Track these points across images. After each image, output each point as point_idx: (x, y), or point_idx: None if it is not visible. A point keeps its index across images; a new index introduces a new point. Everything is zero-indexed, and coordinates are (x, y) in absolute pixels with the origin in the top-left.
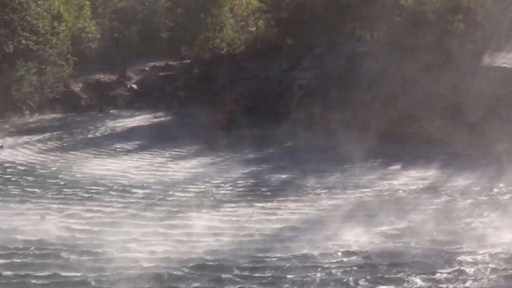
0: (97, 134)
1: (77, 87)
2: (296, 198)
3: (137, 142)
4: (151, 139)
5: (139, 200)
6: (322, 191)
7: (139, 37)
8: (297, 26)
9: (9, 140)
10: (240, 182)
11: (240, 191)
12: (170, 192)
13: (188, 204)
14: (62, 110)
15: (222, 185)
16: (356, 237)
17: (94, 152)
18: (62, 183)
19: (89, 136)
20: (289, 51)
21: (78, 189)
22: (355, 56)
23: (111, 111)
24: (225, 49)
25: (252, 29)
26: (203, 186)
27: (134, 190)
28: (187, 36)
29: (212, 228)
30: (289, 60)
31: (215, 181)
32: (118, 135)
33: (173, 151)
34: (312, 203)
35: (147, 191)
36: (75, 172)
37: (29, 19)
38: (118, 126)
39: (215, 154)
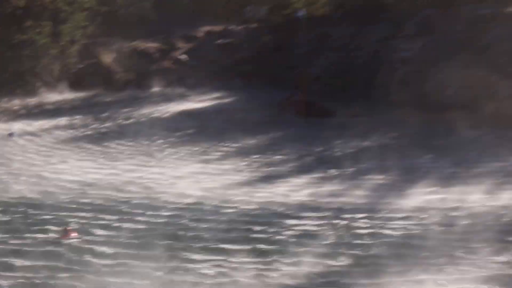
0: (132, 120)
1: (108, 58)
2: None
3: (192, 137)
4: (209, 132)
5: None
6: None
7: None
8: None
9: (15, 126)
10: None
11: None
12: None
13: None
14: (89, 88)
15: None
16: None
17: (124, 148)
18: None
19: (121, 123)
20: (389, 12)
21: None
22: (479, 19)
23: (152, 90)
24: (302, 11)
25: None
26: None
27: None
28: None
29: None
30: (389, 25)
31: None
32: (161, 123)
33: (252, 158)
34: None
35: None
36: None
37: None
38: (161, 111)
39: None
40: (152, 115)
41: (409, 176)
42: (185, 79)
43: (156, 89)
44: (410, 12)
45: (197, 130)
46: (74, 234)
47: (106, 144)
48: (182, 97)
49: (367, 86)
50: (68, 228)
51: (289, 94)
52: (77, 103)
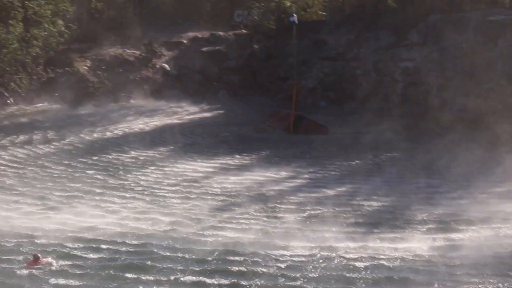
0: (108, 134)
1: (83, 66)
2: None
3: (167, 154)
4: (193, 150)
5: None
6: None
7: None
8: None
9: None
10: None
11: None
12: None
13: None
14: (62, 98)
15: None
16: None
17: (96, 168)
18: None
19: (94, 138)
20: (391, 19)
21: None
22: (488, 27)
23: (131, 101)
24: (294, 16)
25: None
26: None
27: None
28: None
29: None
30: (390, 32)
31: None
32: (141, 139)
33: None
34: None
35: None
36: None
37: None
38: (140, 125)
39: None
40: (128, 130)
41: None
42: (167, 89)
43: (135, 100)
44: (414, 19)
45: (173, 147)
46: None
47: (69, 163)
48: (162, 110)
49: (366, 99)
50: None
51: (276, 108)
52: (46, 116)
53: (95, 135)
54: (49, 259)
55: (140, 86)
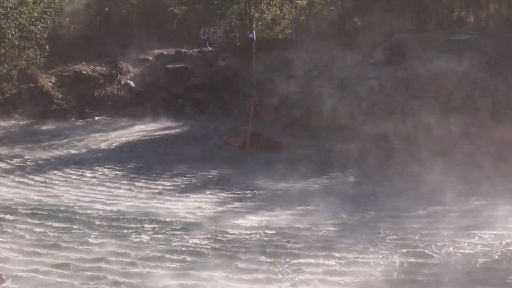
0: (71, 151)
1: (47, 82)
2: None
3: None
4: (154, 167)
5: None
6: None
7: (139, 12)
8: (370, 0)
9: None
10: None
11: None
12: None
13: None
14: (25, 115)
15: None
16: None
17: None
18: None
19: (57, 154)
20: (357, 37)
21: None
22: (453, 46)
23: (96, 118)
24: (253, 33)
25: (303, 3)
26: None
27: None
28: (209, 13)
29: None
30: (356, 50)
31: None
32: (102, 156)
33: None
34: None
35: None
36: None
37: None
38: (104, 142)
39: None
40: (93, 147)
41: None
42: (132, 106)
43: (100, 117)
44: (380, 37)
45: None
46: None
47: (40, 175)
48: (127, 127)
49: (331, 118)
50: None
51: (234, 126)
52: (8, 131)
53: (51, 153)
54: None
55: (105, 102)
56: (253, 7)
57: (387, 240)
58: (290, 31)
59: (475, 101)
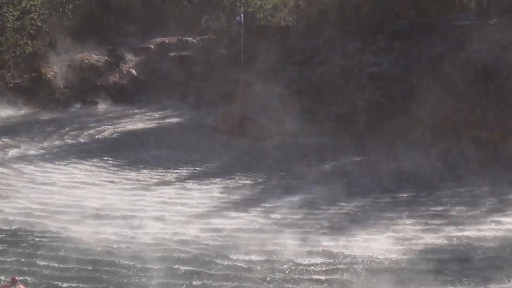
0: (72, 140)
1: (50, 72)
2: None
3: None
4: (150, 157)
5: None
6: None
7: (141, 0)
8: None
9: None
10: None
11: None
12: None
13: None
14: (28, 104)
15: None
16: None
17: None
18: None
19: (58, 143)
20: (358, 24)
21: None
22: (455, 32)
23: (98, 107)
24: (241, 16)
25: None
26: None
27: None
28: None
29: None
30: (357, 37)
31: None
32: (104, 146)
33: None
34: None
35: None
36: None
37: None
38: (105, 131)
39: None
40: (95, 135)
41: None
42: (134, 95)
43: (101, 106)
44: (381, 24)
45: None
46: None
47: (41, 164)
48: (129, 116)
49: (333, 104)
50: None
51: (224, 111)
52: (10, 121)
53: (55, 142)
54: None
55: (107, 91)
56: None
57: None
58: (290, 18)
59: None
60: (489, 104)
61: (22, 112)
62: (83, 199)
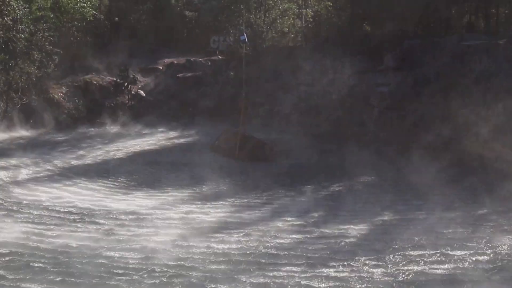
0: (78, 162)
1: (58, 93)
2: None
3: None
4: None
5: None
6: None
7: (149, 21)
8: (378, 6)
9: None
10: None
11: None
12: None
13: None
14: (36, 125)
15: None
16: None
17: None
18: None
19: (68, 164)
20: (366, 43)
21: None
22: (463, 52)
23: (106, 128)
24: (244, 35)
25: (313, 10)
26: None
27: None
28: (218, 20)
29: None
30: (365, 57)
31: None
32: (109, 166)
33: None
34: None
35: None
36: None
37: None
38: (113, 151)
39: None
40: (101, 157)
41: None
42: (143, 116)
43: (110, 127)
44: (389, 43)
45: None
46: None
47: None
48: (138, 136)
49: (341, 125)
50: None
51: (227, 128)
52: (18, 143)
53: (58, 164)
54: None
55: (116, 112)
56: (263, 15)
57: None
58: (299, 38)
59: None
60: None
61: (30, 133)
62: None
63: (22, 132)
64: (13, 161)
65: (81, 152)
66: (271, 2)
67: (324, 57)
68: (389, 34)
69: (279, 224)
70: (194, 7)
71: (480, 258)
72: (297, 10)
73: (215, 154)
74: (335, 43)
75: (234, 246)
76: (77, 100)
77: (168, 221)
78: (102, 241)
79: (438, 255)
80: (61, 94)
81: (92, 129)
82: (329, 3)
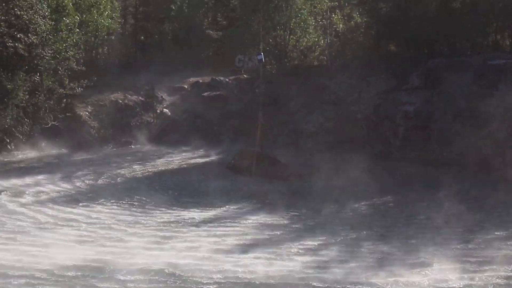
0: (105, 180)
1: (84, 112)
2: None
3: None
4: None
5: None
6: None
7: (175, 40)
8: (404, 26)
9: None
10: None
11: None
12: None
13: None
14: (62, 144)
15: None
16: None
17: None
18: None
19: (95, 183)
20: (392, 62)
21: None
22: (489, 71)
23: (132, 146)
24: (261, 54)
25: (338, 29)
26: None
27: None
28: (245, 39)
29: None
30: (391, 76)
31: None
32: (137, 185)
33: None
34: None
35: None
36: None
37: (19, 12)
38: (140, 171)
39: None
40: (127, 175)
41: None
42: (168, 135)
43: (136, 146)
44: (415, 62)
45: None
46: None
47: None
48: (163, 156)
49: (367, 143)
50: None
51: (243, 148)
52: (44, 162)
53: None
54: None
55: (141, 131)
56: (288, 33)
57: None
58: (324, 57)
59: None
60: None
61: (55, 152)
62: None
63: (48, 151)
64: (42, 179)
65: (107, 171)
66: (296, 19)
67: (349, 76)
68: (414, 53)
69: None
70: (219, 26)
71: None
72: (322, 30)
73: (233, 172)
74: (360, 62)
75: None
76: (103, 119)
77: None
78: None
79: None
80: (87, 113)
81: (117, 148)
82: (354, 21)
